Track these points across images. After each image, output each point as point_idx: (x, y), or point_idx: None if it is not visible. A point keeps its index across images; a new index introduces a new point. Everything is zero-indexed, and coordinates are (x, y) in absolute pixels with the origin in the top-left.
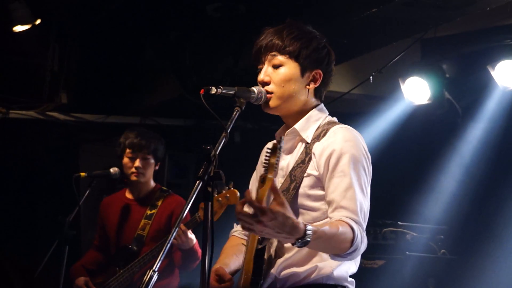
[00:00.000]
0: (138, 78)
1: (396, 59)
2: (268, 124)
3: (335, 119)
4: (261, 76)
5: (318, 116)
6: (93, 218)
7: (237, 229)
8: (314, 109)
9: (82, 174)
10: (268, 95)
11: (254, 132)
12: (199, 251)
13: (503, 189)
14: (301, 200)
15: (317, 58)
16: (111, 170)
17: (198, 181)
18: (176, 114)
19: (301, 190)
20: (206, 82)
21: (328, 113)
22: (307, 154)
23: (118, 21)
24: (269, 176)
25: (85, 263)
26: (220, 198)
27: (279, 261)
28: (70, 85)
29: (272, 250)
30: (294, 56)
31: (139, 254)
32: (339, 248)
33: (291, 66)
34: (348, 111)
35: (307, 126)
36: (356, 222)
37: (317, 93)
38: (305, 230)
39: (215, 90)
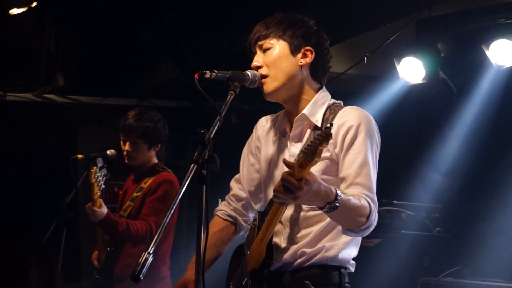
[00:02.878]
0: (135, 60)
1: (391, 39)
2: (265, 105)
3: (340, 102)
4: (253, 63)
5: (323, 100)
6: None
7: (220, 208)
8: (319, 93)
9: (79, 156)
10: (263, 80)
11: (251, 113)
12: (115, 221)
13: (498, 167)
14: None
15: (304, 35)
16: (108, 152)
17: (192, 165)
18: (173, 96)
19: None
20: (203, 64)
21: (330, 96)
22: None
23: (115, 3)
24: (316, 159)
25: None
26: None
27: (293, 247)
28: (67, 67)
29: (284, 237)
30: (279, 36)
31: None
32: (355, 221)
33: (279, 45)
34: (344, 91)
35: (315, 110)
36: (372, 200)
37: (314, 74)
38: (336, 194)
39: (209, 74)
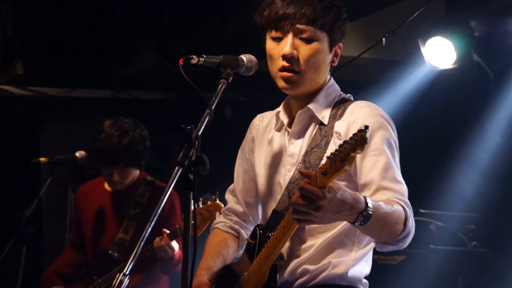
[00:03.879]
0: (110, 44)
1: (414, 16)
2: (264, 96)
3: (350, 95)
4: (287, 49)
5: (332, 93)
6: (57, 211)
7: (220, 220)
8: (327, 85)
9: (42, 159)
10: (286, 74)
11: (248, 106)
12: (179, 254)
13: None
14: None
15: (344, 30)
16: (77, 154)
17: (177, 167)
18: (155, 86)
19: None
20: (190, 48)
21: (338, 87)
22: (323, 137)
23: None
24: (346, 167)
25: (59, 266)
26: (203, 211)
27: (293, 263)
28: (27, 54)
29: (285, 253)
30: (327, 30)
31: (120, 262)
32: (392, 230)
33: (324, 40)
34: (357, 78)
35: (322, 105)
36: (405, 203)
37: (331, 67)
38: (366, 201)
39: (197, 60)
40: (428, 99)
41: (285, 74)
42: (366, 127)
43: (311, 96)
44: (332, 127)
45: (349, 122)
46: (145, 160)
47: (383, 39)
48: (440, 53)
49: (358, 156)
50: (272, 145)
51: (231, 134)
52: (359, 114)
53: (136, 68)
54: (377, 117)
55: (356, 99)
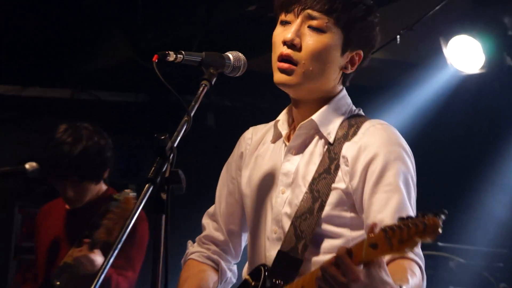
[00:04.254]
0: (69, 35)
1: (435, 9)
2: (254, 101)
3: (360, 110)
4: (289, 35)
5: (342, 107)
6: (4, 235)
7: (195, 250)
8: (338, 97)
9: None
10: (284, 65)
11: (235, 112)
12: (113, 279)
13: None
14: (324, 225)
15: (367, 37)
16: (27, 165)
17: (147, 185)
18: (123, 86)
19: (325, 211)
20: (167, 42)
21: (350, 101)
22: (332, 160)
23: None
24: (405, 250)
25: None
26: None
27: None
28: None
29: None
30: (343, 26)
31: None
32: None
33: (336, 36)
34: (368, 83)
35: (329, 120)
36: (421, 258)
37: (345, 79)
38: None
39: (174, 57)
40: (451, 110)
41: (281, 64)
42: (443, 212)
43: (317, 106)
44: (341, 149)
45: (360, 147)
46: (108, 173)
47: (398, 36)
48: (465, 54)
49: (368, 188)
50: (265, 159)
51: (213, 146)
52: (373, 138)
53: (101, 64)
54: (394, 146)
55: (364, 107)
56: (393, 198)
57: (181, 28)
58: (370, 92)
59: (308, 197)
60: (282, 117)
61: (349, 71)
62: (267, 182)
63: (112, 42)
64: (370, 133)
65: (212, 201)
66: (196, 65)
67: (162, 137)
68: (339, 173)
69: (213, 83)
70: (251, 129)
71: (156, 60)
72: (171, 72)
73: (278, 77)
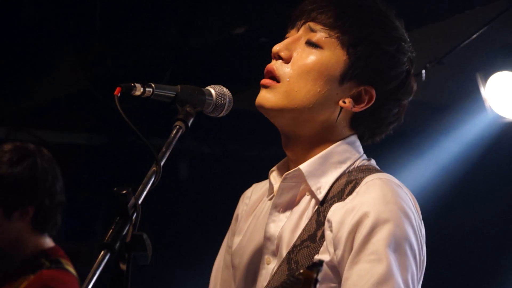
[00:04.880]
0: (6, 60)
1: (472, 38)
2: (239, 147)
3: (371, 161)
4: (277, 46)
5: (344, 156)
6: None
7: None
8: (340, 142)
9: None
10: (267, 82)
11: (214, 161)
12: None
13: None
14: None
15: (384, 71)
16: None
17: (103, 252)
18: (74, 125)
19: None
20: (131, 70)
21: (362, 151)
22: (320, 223)
23: None
24: None
25: None
26: None
27: None
28: None
29: None
30: (348, 45)
31: None
32: None
33: (336, 57)
34: None
35: (322, 171)
36: None
37: (356, 123)
38: None
39: (141, 90)
40: (489, 163)
41: (263, 80)
42: (321, 263)
43: (312, 151)
44: (328, 211)
45: (348, 208)
46: (31, 213)
47: (423, 71)
48: (508, 96)
49: (350, 258)
50: (259, 220)
51: (187, 203)
52: (365, 196)
53: (46, 97)
54: (388, 205)
55: (380, 159)
56: (375, 269)
57: (149, 53)
58: (389, 140)
59: (284, 269)
60: (277, 166)
61: (353, 109)
62: (256, 249)
63: (60, 70)
64: (364, 189)
65: (185, 272)
66: (169, 102)
67: (123, 192)
68: (325, 243)
69: (189, 124)
70: (253, 186)
71: (118, 94)
72: (136, 108)
73: (258, 96)
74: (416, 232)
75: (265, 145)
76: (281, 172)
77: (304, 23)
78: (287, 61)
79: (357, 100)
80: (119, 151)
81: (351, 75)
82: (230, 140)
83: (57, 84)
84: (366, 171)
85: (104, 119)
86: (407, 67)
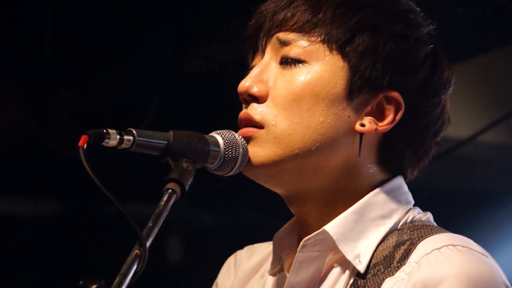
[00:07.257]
0: None
1: None
2: (251, 214)
3: (427, 216)
4: (244, 83)
5: (388, 207)
6: None
7: None
8: (377, 191)
9: None
10: (249, 132)
11: (215, 234)
12: None
13: None
14: None
15: (400, 60)
16: None
17: None
18: (21, 189)
19: None
20: (101, 108)
21: (411, 199)
22: None
23: None
24: None
25: None
26: None
27: None
28: None
29: None
30: (340, 43)
31: None
32: None
33: (327, 66)
34: (456, 184)
35: (358, 231)
36: None
37: (388, 149)
38: None
39: (117, 139)
40: None
41: (242, 131)
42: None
43: (332, 205)
44: (379, 286)
45: (414, 284)
46: None
47: None
48: None
49: None
50: None
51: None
52: (437, 270)
53: None
54: (475, 284)
55: (446, 222)
56: None
57: (127, 83)
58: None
59: None
60: (285, 228)
61: (378, 129)
62: None
63: (5, 108)
64: (431, 260)
65: None
66: (157, 155)
67: (94, 286)
68: None
69: (187, 187)
70: (246, 248)
71: (84, 145)
72: (110, 161)
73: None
74: None
75: (270, 211)
76: (291, 237)
77: (269, 37)
78: (263, 99)
79: (379, 115)
80: (82, 223)
81: (361, 83)
82: (239, 205)
83: None
84: (424, 229)
85: (60, 178)
86: (430, 46)
